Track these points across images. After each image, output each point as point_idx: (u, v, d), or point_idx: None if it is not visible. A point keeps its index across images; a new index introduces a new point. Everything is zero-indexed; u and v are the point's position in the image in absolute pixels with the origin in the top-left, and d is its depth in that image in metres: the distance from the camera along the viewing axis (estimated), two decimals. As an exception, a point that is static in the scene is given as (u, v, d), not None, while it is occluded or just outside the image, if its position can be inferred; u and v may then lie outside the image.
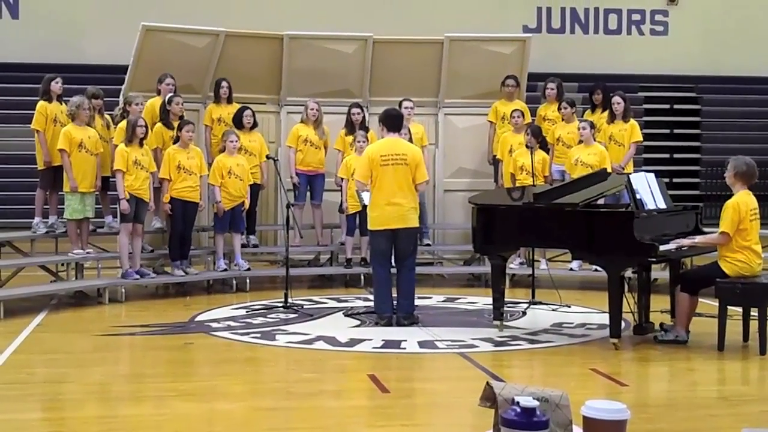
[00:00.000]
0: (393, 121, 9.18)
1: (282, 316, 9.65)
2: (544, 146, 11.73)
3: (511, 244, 9.14)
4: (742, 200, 7.84)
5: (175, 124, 11.10)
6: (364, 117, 12.10)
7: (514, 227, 8.60)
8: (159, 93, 11.49)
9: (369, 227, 9.14)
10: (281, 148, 12.51)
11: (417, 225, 9.10)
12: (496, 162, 12.37)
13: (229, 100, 11.99)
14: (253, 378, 7.35)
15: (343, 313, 9.77)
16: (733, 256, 7.84)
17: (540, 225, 8.40)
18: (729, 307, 7.87)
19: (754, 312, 7.93)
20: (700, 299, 8.16)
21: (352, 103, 12.20)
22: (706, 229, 8.72)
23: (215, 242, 11.52)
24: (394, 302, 9.12)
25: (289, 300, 9.96)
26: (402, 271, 9.10)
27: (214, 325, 9.19)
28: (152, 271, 11.12)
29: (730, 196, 7.96)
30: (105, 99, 11.31)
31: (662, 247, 7.85)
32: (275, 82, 12.71)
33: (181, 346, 8.28)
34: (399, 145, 9.01)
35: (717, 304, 7.91)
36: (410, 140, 10.58)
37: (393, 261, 9.17)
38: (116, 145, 10.65)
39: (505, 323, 8.92)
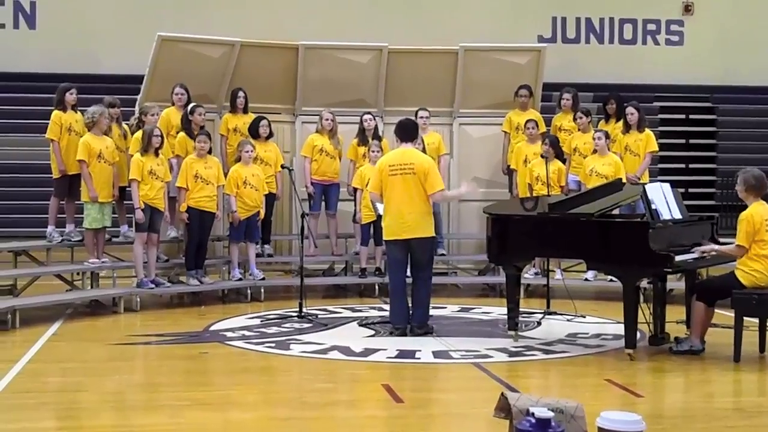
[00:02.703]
0: (404, 131, 9.19)
1: (296, 325, 9.65)
2: (561, 156, 11.72)
3: (526, 254, 9.13)
4: (756, 211, 7.82)
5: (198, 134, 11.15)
6: (376, 126, 12.12)
7: (529, 237, 8.58)
8: (173, 103, 11.53)
9: (383, 237, 9.15)
10: (296, 158, 12.53)
11: (431, 234, 9.07)
12: (510, 172, 12.36)
13: (245, 110, 12.03)
14: (267, 387, 7.34)
15: (358, 323, 9.76)
16: (750, 266, 7.81)
17: (555, 235, 8.38)
18: (745, 318, 7.83)
19: (770, 323, 7.90)
20: (716, 310, 8.13)
21: (365, 112, 12.22)
22: (721, 240, 8.68)
23: (230, 252, 11.54)
24: (410, 312, 9.11)
25: (304, 309, 9.97)
26: (417, 281, 9.09)
27: (229, 334, 9.20)
28: (167, 280, 11.15)
29: (746, 206, 7.95)
30: (121, 109, 11.36)
31: (678, 258, 7.82)
32: (290, 91, 12.74)
33: (196, 356, 8.28)
34: (407, 155, 9.01)
35: (733, 314, 7.87)
36: (423, 150, 10.58)
37: (409, 270, 9.17)
38: (132, 155, 10.69)
39: (519, 333, 8.91)
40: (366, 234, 11.71)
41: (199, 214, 10.93)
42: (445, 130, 12.95)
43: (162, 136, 10.70)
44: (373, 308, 10.65)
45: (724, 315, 8.51)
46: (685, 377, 7.62)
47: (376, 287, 11.67)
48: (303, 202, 11.20)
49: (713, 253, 8.10)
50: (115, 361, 8.16)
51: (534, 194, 11.24)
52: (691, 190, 17.25)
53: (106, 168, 10.68)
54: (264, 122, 11.80)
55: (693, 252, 8.08)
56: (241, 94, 11.95)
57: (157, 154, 10.63)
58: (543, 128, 12.29)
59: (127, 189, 10.82)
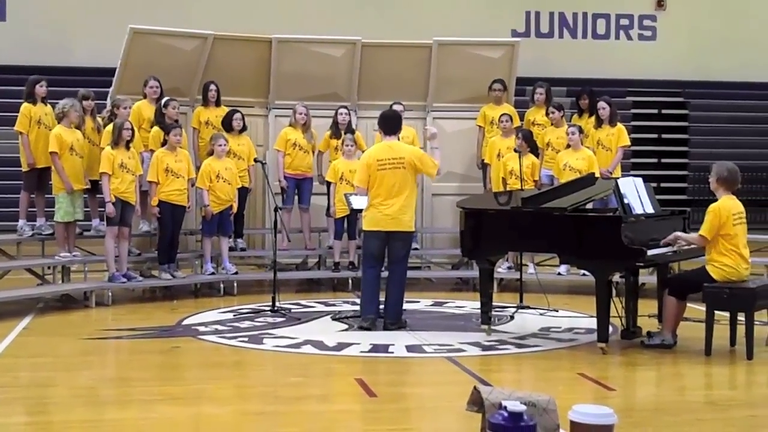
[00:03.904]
0: (389, 124, 9.17)
1: (269, 320, 9.64)
2: (535, 151, 11.75)
3: (499, 248, 9.16)
4: (724, 205, 7.87)
5: (173, 128, 11.11)
6: (350, 120, 12.11)
7: (503, 231, 8.61)
8: (146, 96, 11.46)
9: (363, 228, 9.14)
10: (269, 152, 12.50)
11: (412, 229, 9.10)
12: (484, 166, 12.38)
13: (218, 103, 11.98)
14: (240, 382, 7.34)
15: (331, 317, 9.76)
16: (720, 260, 7.86)
17: (528, 229, 8.40)
18: (716, 312, 7.88)
19: (741, 316, 7.96)
20: (687, 304, 8.18)
21: (339, 105, 12.21)
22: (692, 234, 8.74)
23: (203, 246, 11.50)
24: (381, 305, 9.11)
25: (277, 304, 9.95)
26: (392, 275, 9.08)
27: (201, 328, 9.18)
28: (139, 274, 11.10)
29: (715, 200, 7.99)
30: (95, 102, 11.27)
31: (650, 252, 7.87)
32: (263, 85, 12.70)
33: (168, 350, 8.26)
34: (396, 149, 9.00)
35: (704, 308, 7.93)
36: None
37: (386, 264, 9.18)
38: (103, 148, 10.62)
39: (492, 327, 8.93)
40: (339, 228, 11.70)
41: (171, 208, 10.87)
42: (419, 124, 12.93)
43: (133, 130, 10.63)
44: (347, 302, 10.64)
45: (696, 309, 8.57)
46: (657, 371, 7.67)
47: (350, 281, 11.66)
48: (276, 196, 11.16)
49: (678, 241, 8.13)
50: (86, 355, 8.12)
51: (508, 188, 11.26)
52: (663, 184, 17.37)
53: (76, 161, 10.61)
54: (237, 115, 11.75)
55: (663, 246, 8.12)
56: (213, 87, 11.91)
57: (128, 148, 10.57)
58: (517, 122, 12.32)
59: (99, 183, 10.74)
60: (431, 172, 9.04)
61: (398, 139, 9.98)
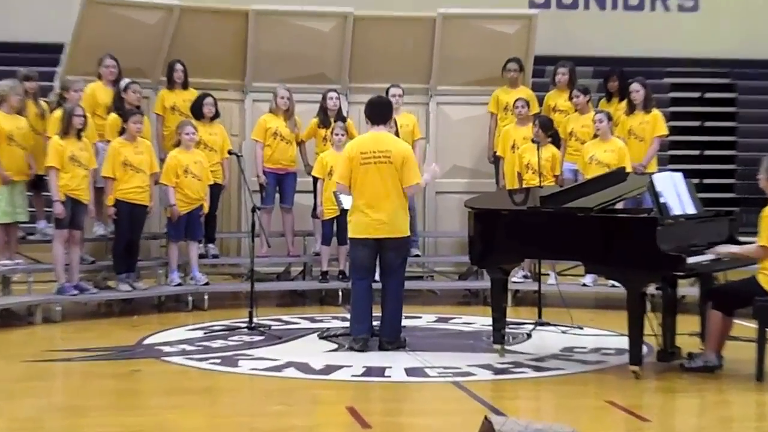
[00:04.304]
0: (377, 112, 9.16)
1: (246, 338, 9.64)
2: (555, 141, 11.77)
3: (514, 255, 9.16)
4: (782, 205, 7.87)
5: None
6: (341, 105, 12.13)
7: (518, 236, 8.61)
8: (101, 77, 11.46)
9: (349, 235, 9.15)
10: (246, 143, 12.51)
11: (407, 234, 9.11)
12: (497, 159, 12.40)
13: (185, 86, 12.00)
14: (211, 411, 7.33)
15: (318, 336, 9.75)
16: (773, 269, 7.87)
17: (548, 233, 8.41)
18: (768, 330, 7.90)
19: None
20: (735, 320, 8.18)
21: (327, 89, 12.22)
22: (742, 239, 8.72)
23: (168, 252, 11.51)
24: (375, 323, 9.12)
25: (255, 320, 9.96)
26: (388, 287, 9.08)
27: (166, 349, 9.18)
28: (93, 285, 11.10)
29: (769, 200, 8.00)
30: (39, 83, 11.27)
31: (690, 259, 7.87)
32: (239, 65, 12.72)
33: (127, 374, 8.25)
34: (383, 141, 9.01)
35: (755, 325, 7.93)
36: (396, 134, 10.59)
37: (378, 275, 9.18)
38: (50, 138, 10.61)
39: (506, 347, 8.94)
40: (328, 231, 11.70)
41: (129, 208, 10.89)
42: (421, 111, 12.96)
43: (85, 116, 10.64)
44: (336, 318, 10.65)
45: (745, 326, 8.57)
46: (699, 398, 7.67)
47: (340, 294, 11.67)
48: (254, 194, 11.16)
49: (730, 254, 8.15)
50: (30, 381, 8.11)
51: (524, 185, 11.28)
52: (706, 180, 17.34)
53: (17, 152, 10.60)
54: (208, 100, 11.77)
55: (708, 253, 8.13)
56: (179, 66, 11.93)
57: (79, 137, 10.58)
58: (535, 109, 12.34)
59: (45, 178, 10.74)
60: (408, 183, 8.92)
61: (396, 130, 10.05)
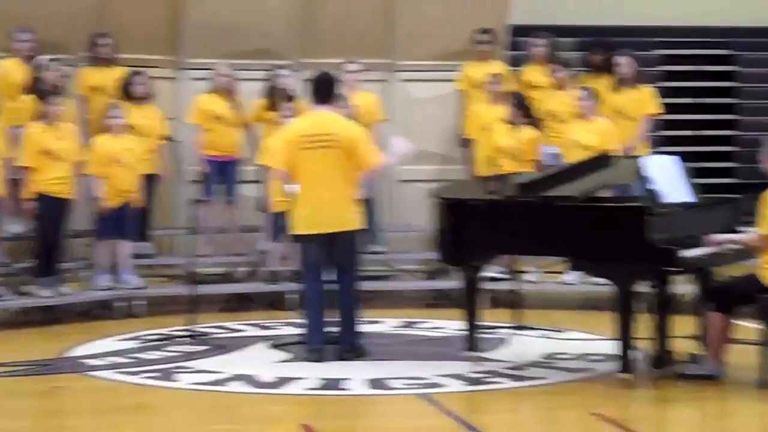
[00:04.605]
0: (319, 90, 9.16)
1: (185, 348, 9.62)
2: (533, 122, 11.78)
3: (489, 250, 9.15)
4: (785, 189, 7.92)
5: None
6: (291, 85, 12.09)
7: (493, 229, 8.62)
8: (14, 54, 11.38)
9: (294, 232, 9.14)
10: (183, 127, 12.46)
11: (359, 227, 9.10)
12: (468, 143, 12.41)
13: (112, 62, 11.94)
14: (146, 431, 7.30)
15: (268, 345, 9.76)
16: (778, 263, 7.92)
17: (526, 225, 8.42)
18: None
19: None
20: (737, 321, 8.22)
21: (275, 65, 12.19)
22: (743, 229, 8.77)
23: (95, 252, 11.45)
24: (334, 329, 9.12)
25: (195, 327, 9.92)
26: (343, 288, 9.10)
27: (94, 362, 9.15)
28: (10, 291, 11.02)
29: (774, 185, 8.04)
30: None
31: (686, 253, 7.90)
32: (173, 38, 12.66)
33: (49, 391, 8.22)
34: (327, 122, 8.98)
35: (760, 326, 7.97)
36: (349, 116, 10.56)
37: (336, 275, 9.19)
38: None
39: (481, 355, 8.96)
40: (278, 227, 11.66)
41: (51, 202, 10.83)
42: (382, 89, 12.95)
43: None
44: (289, 324, 10.62)
45: (749, 327, 8.62)
46: (698, 409, 7.73)
47: (292, 297, 11.63)
48: (193, 185, 11.12)
49: (729, 245, 8.18)
50: (-62, 400, 8.06)
51: (499, 172, 11.29)
52: (703, 164, 17.41)
53: None
54: (139, 79, 11.73)
55: (705, 245, 8.16)
56: (106, 40, 11.86)
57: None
58: (510, 85, 12.35)
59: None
60: (367, 164, 8.97)
61: (352, 111, 10.02)
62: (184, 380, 8.46)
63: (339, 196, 8.90)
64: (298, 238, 9.12)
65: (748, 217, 8.24)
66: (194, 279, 10.30)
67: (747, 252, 8.37)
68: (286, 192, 9.72)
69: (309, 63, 12.71)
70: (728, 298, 8.12)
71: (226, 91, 12.03)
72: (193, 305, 10.03)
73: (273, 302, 11.98)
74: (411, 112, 13.02)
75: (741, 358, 8.41)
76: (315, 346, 9.03)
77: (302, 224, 9.00)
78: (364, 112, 11.79)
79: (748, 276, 8.17)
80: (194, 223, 10.19)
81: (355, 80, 12.05)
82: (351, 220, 9.00)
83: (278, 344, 9.72)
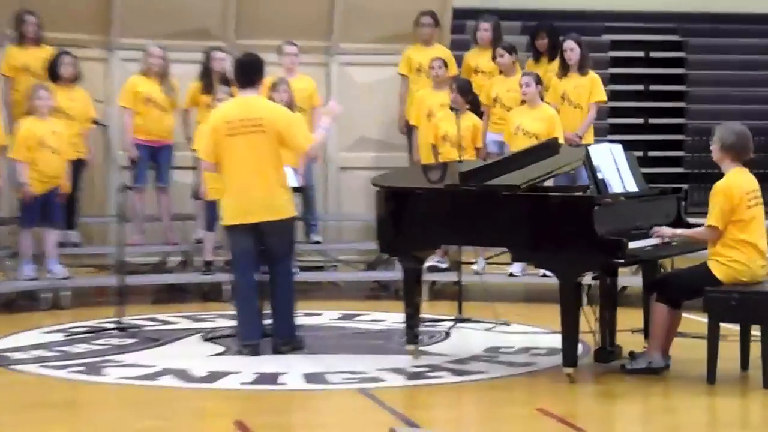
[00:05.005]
0: (244, 72, 9.12)
1: (115, 341, 9.58)
2: (476, 108, 11.82)
3: (430, 240, 9.15)
4: (735, 182, 7.97)
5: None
6: (227, 67, 12.06)
7: (434, 218, 8.63)
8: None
9: (223, 222, 9.13)
10: (112, 110, 12.39)
11: (290, 215, 9.08)
12: (409, 130, 12.43)
13: (38, 42, 11.84)
14: (73, 428, 7.26)
15: (202, 337, 9.75)
16: (727, 254, 7.95)
17: (468, 215, 8.43)
18: (722, 325, 8.00)
19: (755, 331, 8.07)
20: (683, 314, 8.30)
21: (210, 47, 12.15)
22: (692, 220, 8.85)
23: (19, 241, 11.37)
24: (267, 322, 9.13)
25: (125, 319, 9.89)
26: (276, 279, 9.10)
27: (17, 355, 9.08)
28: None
29: (722, 175, 8.09)
30: None
31: (632, 244, 7.96)
32: (103, 16, 12.57)
33: (-29, 386, 8.16)
34: (253, 107, 8.96)
35: (706, 320, 8.05)
36: (289, 101, 10.56)
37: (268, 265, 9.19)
38: None
39: (421, 348, 8.99)
40: (212, 215, 11.61)
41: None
42: (320, 73, 12.94)
43: None
44: (223, 316, 10.59)
45: (695, 321, 8.71)
46: (642, 404, 7.78)
47: (227, 288, 11.61)
48: (123, 171, 11.07)
49: (676, 238, 8.26)
50: None
51: (441, 159, 11.32)
52: (651, 153, 17.57)
53: None
54: (67, 59, 11.64)
55: (652, 237, 8.24)
56: (31, 18, 11.76)
57: None
58: (454, 70, 12.38)
59: None
60: (299, 147, 9.00)
61: (289, 96, 10.02)
62: (113, 374, 8.42)
63: (267, 184, 8.86)
64: (228, 229, 9.12)
65: (696, 208, 8.33)
66: (124, 269, 10.24)
67: (694, 244, 8.46)
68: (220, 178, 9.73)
69: (245, 45, 12.63)
70: (674, 290, 8.19)
71: (159, 73, 11.96)
72: (123, 296, 9.98)
73: (208, 293, 11.97)
74: (351, 97, 12.97)
75: (687, 352, 8.51)
76: (249, 340, 9.03)
77: (230, 214, 8.99)
78: (303, 96, 11.78)
79: (695, 268, 8.23)
80: (124, 210, 10.13)
81: (294, 63, 12.03)
82: (281, 208, 8.97)
83: (212, 337, 9.70)
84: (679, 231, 8.31)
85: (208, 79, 11.98)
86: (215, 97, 11.47)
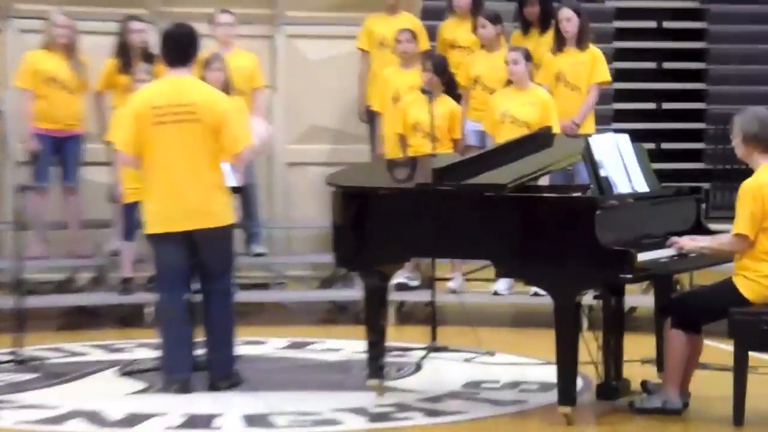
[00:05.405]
0: (174, 47, 9.08)
1: (11, 377, 9.54)
2: (453, 91, 11.83)
3: (398, 252, 9.14)
4: (766, 179, 8.00)
5: None
6: (149, 41, 12.04)
7: (403, 225, 8.62)
8: None
9: (146, 230, 9.09)
10: (8, 92, 12.37)
11: (228, 222, 9.05)
12: (372, 117, 12.43)
13: None
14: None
15: (118, 371, 9.73)
16: (756, 268, 7.94)
17: (444, 221, 8.44)
18: (751, 354, 8.03)
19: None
20: (704, 340, 8.31)
21: (128, 15, 12.15)
22: (713, 227, 8.88)
23: None
24: (201, 352, 9.10)
25: (24, 350, 9.85)
26: (212, 299, 9.06)
27: None
28: None
29: (751, 172, 8.10)
30: None
31: (642, 256, 7.98)
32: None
33: None
34: (186, 90, 8.91)
35: (732, 348, 8.08)
36: (224, 81, 10.55)
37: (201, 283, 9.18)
38: None
39: (387, 383, 8.99)
40: (132, 221, 11.60)
41: None
42: (264, 48, 12.93)
43: None
44: (144, 346, 10.58)
45: (719, 349, 8.73)
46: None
47: (150, 311, 11.58)
48: (21, 167, 11.03)
49: (697, 250, 8.24)
50: None
51: (410, 153, 11.33)
52: (665, 145, 17.65)
53: None
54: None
55: (667, 247, 8.24)
56: None
57: None
58: (425, 44, 12.39)
59: None
60: (232, 147, 8.90)
61: (226, 76, 9.98)
62: (9, 418, 8.35)
63: (201, 184, 8.81)
64: (152, 238, 9.06)
65: (719, 212, 8.31)
66: (22, 288, 10.19)
67: (718, 256, 8.46)
68: (140, 177, 9.70)
69: (171, 13, 12.65)
70: (693, 312, 8.19)
71: (65, 48, 11.93)
72: (21, 322, 9.93)
73: (125, 317, 11.93)
74: (301, 77, 13.01)
75: (710, 387, 8.53)
76: (178, 374, 9.00)
77: (155, 220, 8.93)
78: (243, 76, 11.77)
79: (717, 285, 8.22)
80: (22, 216, 10.09)
81: (230, 36, 12.01)
82: (217, 213, 8.93)
83: (131, 371, 9.67)
84: (701, 242, 8.23)
85: (125, 56, 11.95)
86: (135, 77, 11.46)
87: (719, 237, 8.29)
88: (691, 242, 8.25)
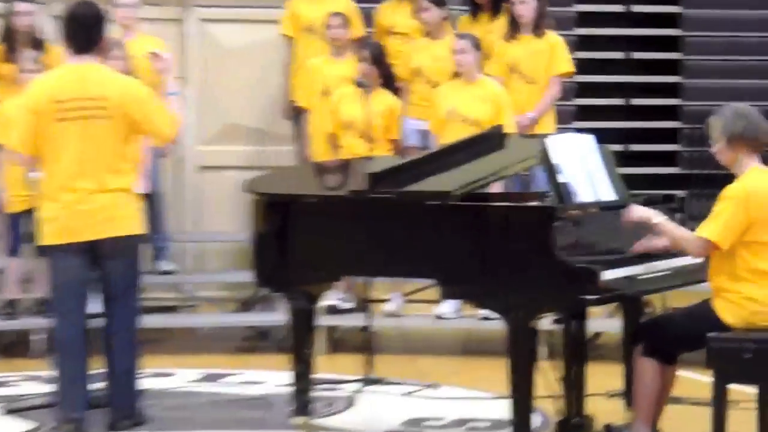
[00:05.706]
0: (79, 31, 9.00)
1: None
2: (390, 83, 11.86)
3: (328, 270, 9.16)
4: (755, 185, 8.01)
5: None
6: (38, 24, 12.02)
7: (334, 238, 8.66)
8: None
9: (42, 241, 9.03)
10: None
11: (136, 232, 9.02)
12: (298, 113, 12.46)
13: None
14: None
15: (2, 408, 9.72)
16: (737, 289, 7.98)
17: (381, 234, 8.48)
18: (732, 387, 8.09)
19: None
20: (679, 371, 8.37)
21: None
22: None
23: None
24: (99, 386, 9.08)
25: None
26: (115, 323, 9.02)
27: None
28: None
29: (734, 178, 8.14)
30: None
31: (607, 274, 8.02)
32: None
33: None
34: (93, 81, 8.84)
35: (710, 379, 8.13)
36: (125, 71, 10.54)
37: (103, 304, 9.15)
38: None
39: (315, 420, 9.04)
40: (17, 234, 11.58)
41: None
42: (172, 33, 12.93)
43: None
44: (33, 379, 10.57)
45: (695, 380, 8.80)
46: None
47: (39, 338, 11.55)
48: None
49: (649, 223, 8.18)
50: None
51: (342, 155, 11.36)
52: (633, 147, 17.74)
53: None
54: None
55: (631, 255, 8.28)
56: None
57: None
58: (359, 30, 12.42)
59: None
60: (163, 134, 8.97)
61: (127, 65, 9.97)
62: None
63: (107, 189, 8.77)
64: (48, 250, 9.00)
65: (696, 223, 8.32)
66: None
67: (691, 270, 8.50)
68: (29, 182, 9.66)
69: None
70: (667, 339, 8.24)
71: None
72: None
73: (10, 345, 11.90)
74: (216, 68, 13.04)
75: (685, 424, 8.59)
76: (72, 412, 8.96)
77: (53, 229, 8.85)
78: (146, 66, 11.75)
79: (694, 308, 8.25)
80: None
81: (133, 19, 12.00)
82: (125, 222, 8.87)
83: (16, 409, 9.65)
84: (659, 218, 8.14)
85: (10, 41, 11.94)
86: (22, 66, 11.43)
87: (683, 230, 8.22)
88: (645, 211, 8.18)
